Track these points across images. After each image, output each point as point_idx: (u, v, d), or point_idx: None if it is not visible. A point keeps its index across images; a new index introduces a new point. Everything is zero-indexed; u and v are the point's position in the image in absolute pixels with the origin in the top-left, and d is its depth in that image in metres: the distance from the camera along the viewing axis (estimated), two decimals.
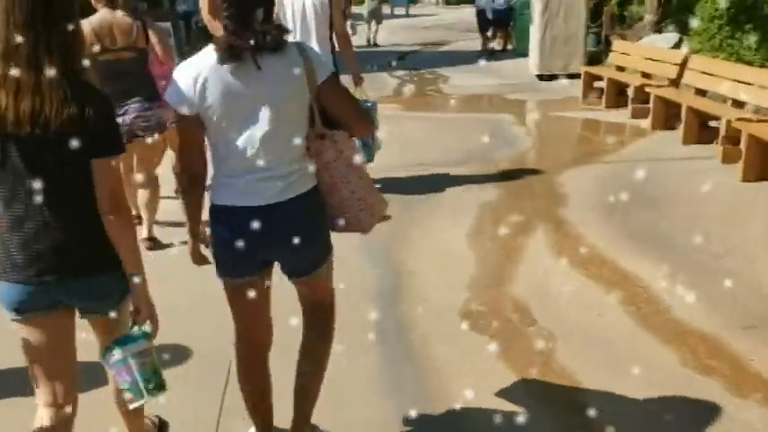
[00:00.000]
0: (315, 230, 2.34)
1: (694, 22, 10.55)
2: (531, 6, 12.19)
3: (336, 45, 5.27)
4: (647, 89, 8.08)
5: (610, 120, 8.45)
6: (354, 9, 18.96)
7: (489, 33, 15.02)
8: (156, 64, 4.75)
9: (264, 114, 2.15)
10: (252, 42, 2.08)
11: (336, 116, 2.28)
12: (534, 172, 6.43)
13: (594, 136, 8.00)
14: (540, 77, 11.50)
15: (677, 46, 10.99)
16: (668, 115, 7.79)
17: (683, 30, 11.93)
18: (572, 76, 11.28)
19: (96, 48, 4.22)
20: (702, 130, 7.19)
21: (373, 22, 17.82)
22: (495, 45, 15.61)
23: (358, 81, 5.42)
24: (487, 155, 6.99)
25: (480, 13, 14.97)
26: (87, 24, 4.12)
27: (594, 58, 11.72)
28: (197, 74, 2.14)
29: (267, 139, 2.16)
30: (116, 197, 2.00)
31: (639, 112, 8.31)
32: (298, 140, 2.22)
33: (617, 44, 10.06)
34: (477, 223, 5.24)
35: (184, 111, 2.16)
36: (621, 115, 8.52)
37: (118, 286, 2.09)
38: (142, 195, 4.73)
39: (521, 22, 14.54)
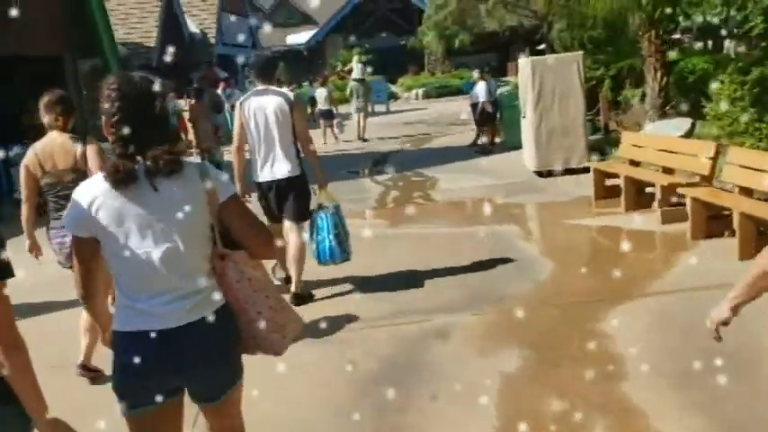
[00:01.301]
0: (223, 353, 2.19)
1: (709, 106, 9.25)
2: (520, 98, 10.89)
3: (301, 150, 5.29)
4: (681, 190, 6.57)
5: (636, 227, 6.91)
6: (342, 108, 18.59)
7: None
8: None
9: (162, 237, 2.08)
10: (143, 167, 2.05)
11: (237, 236, 2.21)
12: (564, 316, 4.81)
13: (626, 252, 6.41)
14: (539, 174, 10.06)
15: (690, 133, 9.65)
16: (708, 220, 6.28)
17: (689, 114, 10.65)
18: (574, 171, 9.88)
19: (38, 171, 4.27)
20: (760, 239, 5.65)
21: (361, 118, 17.13)
22: (483, 139, 14.31)
23: (322, 184, 5.36)
24: (496, 290, 5.37)
25: (476, 107, 13.74)
26: (32, 150, 4.29)
27: (596, 149, 10.33)
28: (92, 197, 2.08)
29: (166, 261, 2.09)
30: (6, 330, 1.84)
31: (670, 216, 6.80)
32: (199, 260, 2.15)
33: (627, 136, 8.65)
34: (502, 417, 3.55)
35: (80, 234, 2.11)
36: (648, 220, 6.98)
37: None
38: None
39: (509, 112, 13.29)
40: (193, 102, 14.71)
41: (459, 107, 22.92)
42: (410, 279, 5.84)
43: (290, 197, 5.17)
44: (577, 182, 9.28)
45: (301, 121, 5.28)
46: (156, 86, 2.11)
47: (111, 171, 2.04)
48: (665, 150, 7.64)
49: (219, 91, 18.26)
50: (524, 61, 10.32)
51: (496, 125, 14.47)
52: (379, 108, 26.81)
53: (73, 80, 14.07)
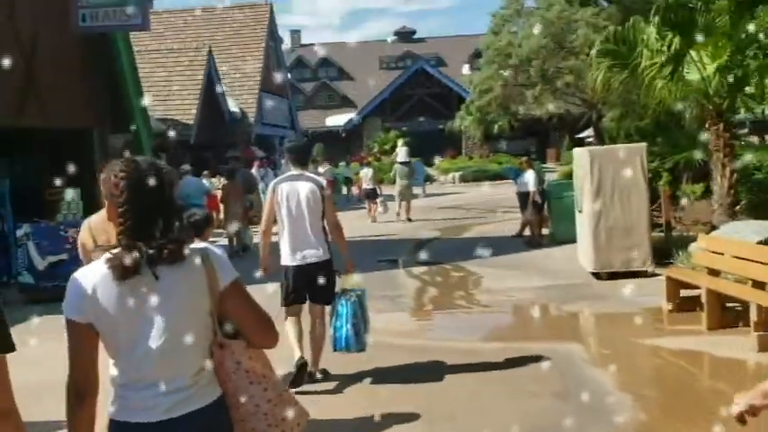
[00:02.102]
0: None
1: None
2: (575, 190, 9.89)
3: (329, 234, 5.34)
4: None
5: (726, 354, 5.71)
6: (386, 190, 18.60)
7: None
8: None
9: (161, 326, 1.98)
10: (146, 256, 1.96)
11: (237, 324, 2.10)
12: None
13: (721, 389, 5.20)
14: (597, 276, 8.93)
15: None
16: None
17: (760, 214, 9.52)
18: (637, 274, 8.75)
19: (91, 244, 4.07)
20: None
21: (403, 200, 17.08)
22: (527, 231, 13.24)
23: (350, 268, 5.36)
24: None
25: (524, 196, 12.75)
26: (86, 222, 4.21)
27: (660, 251, 9.19)
28: (90, 283, 2.00)
29: (164, 353, 1.98)
30: (2, 400, 1.73)
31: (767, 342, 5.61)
32: (198, 351, 2.04)
33: (704, 240, 7.52)
34: None
35: (78, 319, 2.00)
36: (739, 345, 5.78)
37: None
38: None
39: (559, 204, 12.29)
40: (226, 182, 14.08)
41: (498, 192, 22.08)
42: (450, 418, 4.70)
43: (319, 281, 5.21)
44: (643, 288, 8.12)
45: (331, 207, 5.35)
46: (165, 174, 2.04)
47: (116, 263, 1.96)
48: (752, 260, 6.50)
49: (254, 170, 17.70)
50: (581, 151, 9.39)
51: (543, 216, 13.47)
52: (416, 191, 26.15)
53: (101, 154, 13.51)
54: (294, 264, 5.19)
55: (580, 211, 9.43)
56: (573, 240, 11.55)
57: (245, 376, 2.08)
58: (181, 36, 24.98)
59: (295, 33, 54.85)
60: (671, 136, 13.63)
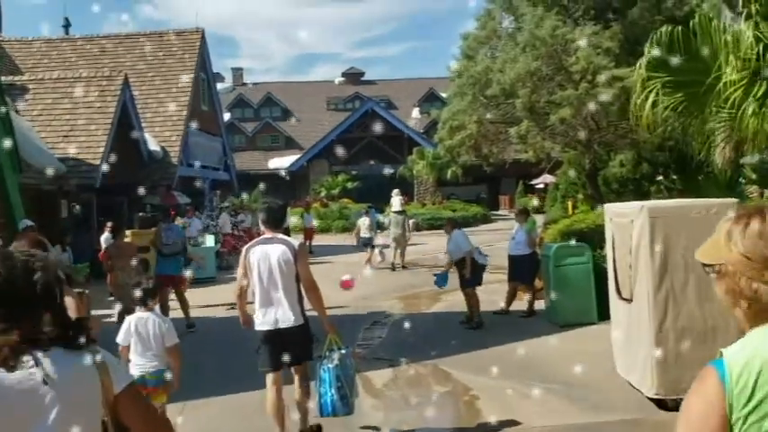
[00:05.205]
0: None
1: None
2: (610, 260, 6.60)
3: (305, 296, 5.19)
4: None
5: None
6: (381, 239, 18.15)
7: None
8: None
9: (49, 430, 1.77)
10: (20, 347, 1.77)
11: (133, 429, 1.95)
12: None
13: None
14: (662, 404, 5.62)
15: None
16: None
17: None
18: None
19: None
20: None
21: (398, 250, 17.05)
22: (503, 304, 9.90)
23: (330, 328, 5.22)
24: None
25: (516, 262, 9.42)
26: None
27: None
28: None
29: None
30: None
31: None
32: None
33: None
34: None
35: None
36: None
37: None
38: None
39: (562, 272, 9.14)
40: (110, 241, 10.35)
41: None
42: None
43: (294, 345, 5.07)
44: None
45: (305, 269, 5.12)
46: (39, 262, 1.86)
47: None
48: None
49: (178, 221, 13.99)
50: (629, 208, 6.12)
51: (535, 285, 10.19)
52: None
53: None
54: (266, 328, 5.06)
55: (628, 300, 6.10)
56: (579, 324, 8.57)
57: None
58: (96, 65, 21.23)
59: (237, 72, 51.43)
60: (684, 183, 10.61)
